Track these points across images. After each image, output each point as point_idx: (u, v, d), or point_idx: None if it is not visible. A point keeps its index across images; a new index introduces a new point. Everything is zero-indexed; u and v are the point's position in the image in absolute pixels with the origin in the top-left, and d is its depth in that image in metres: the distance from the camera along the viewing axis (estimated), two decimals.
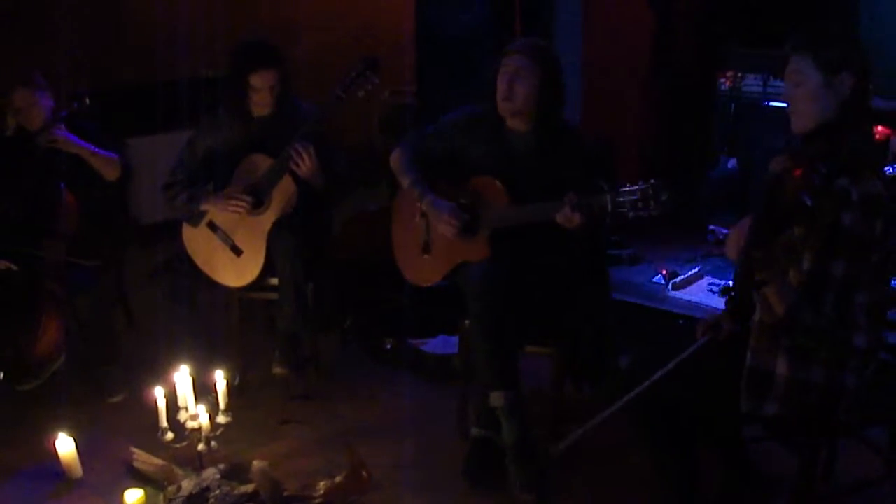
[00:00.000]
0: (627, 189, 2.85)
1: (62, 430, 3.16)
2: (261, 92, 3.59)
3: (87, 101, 3.66)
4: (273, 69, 3.58)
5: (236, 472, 3.08)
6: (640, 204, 2.82)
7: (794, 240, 2.35)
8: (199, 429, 3.09)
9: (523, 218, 3.12)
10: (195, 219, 3.72)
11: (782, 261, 2.35)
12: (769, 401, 2.43)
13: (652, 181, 2.82)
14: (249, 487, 2.98)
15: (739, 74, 5.34)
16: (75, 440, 3.17)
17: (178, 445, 3.11)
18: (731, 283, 2.41)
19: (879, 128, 4.26)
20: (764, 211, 2.30)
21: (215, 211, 3.68)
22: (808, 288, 2.33)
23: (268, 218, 3.61)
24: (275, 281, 3.64)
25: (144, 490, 2.96)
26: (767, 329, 2.42)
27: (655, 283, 4.63)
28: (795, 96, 2.43)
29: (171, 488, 3.00)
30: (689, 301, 4.37)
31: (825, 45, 2.40)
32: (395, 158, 3.44)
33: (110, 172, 3.72)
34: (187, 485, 2.98)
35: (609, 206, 2.88)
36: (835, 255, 2.29)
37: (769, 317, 2.40)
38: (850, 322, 2.34)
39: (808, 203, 2.21)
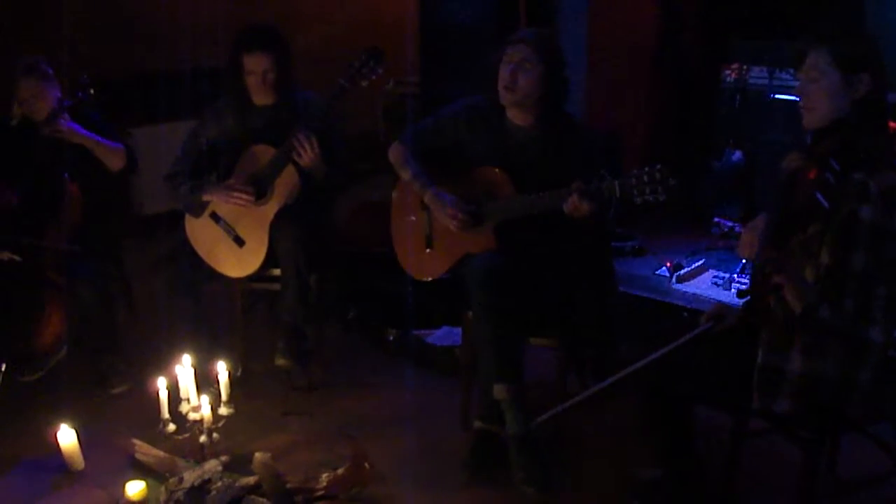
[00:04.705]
0: (635, 174, 2.85)
1: (64, 422, 3.15)
2: (254, 76, 3.56)
3: (92, 91, 3.65)
4: (266, 53, 3.55)
5: (238, 464, 3.07)
6: (647, 189, 2.82)
7: (810, 237, 2.34)
8: (201, 420, 3.08)
9: (530, 208, 3.10)
10: (198, 209, 3.71)
11: (800, 260, 2.34)
12: (781, 397, 2.42)
13: (658, 166, 2.82)
14: (251, 479, 2.97)
15: (745, 66, 5.33)
16: (77, 432, 3.16)
17: (179, 437, 3.11)
18: (740, 283, 2.40)
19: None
20: (778, 212, 2.29)
21: (218, 202, 3.67)
22: (827, 283, 2.31)
23: (270, 208, 3.60)
24: (277, 271, 3.63)
25: (146, 482, 2.96)
26: (781, 326, 2.40)
27: (660, 275, 4.61)
28: (811, 92, 2.41)
29: (172, 480, 2.99)
30: (694, 294, 4.35)
31: (845, 42, 2.38)
32: (395, 152, 3.43)
33: (115, 163, 3.72)
34: (189, 476, 2.97)
35: (617, 192, 2.88)
36: (854, 248, 2.27)
37: (779, 316, 2.39)
38: (869, 316, 2.32)
39: (825, 205, 2.19)
